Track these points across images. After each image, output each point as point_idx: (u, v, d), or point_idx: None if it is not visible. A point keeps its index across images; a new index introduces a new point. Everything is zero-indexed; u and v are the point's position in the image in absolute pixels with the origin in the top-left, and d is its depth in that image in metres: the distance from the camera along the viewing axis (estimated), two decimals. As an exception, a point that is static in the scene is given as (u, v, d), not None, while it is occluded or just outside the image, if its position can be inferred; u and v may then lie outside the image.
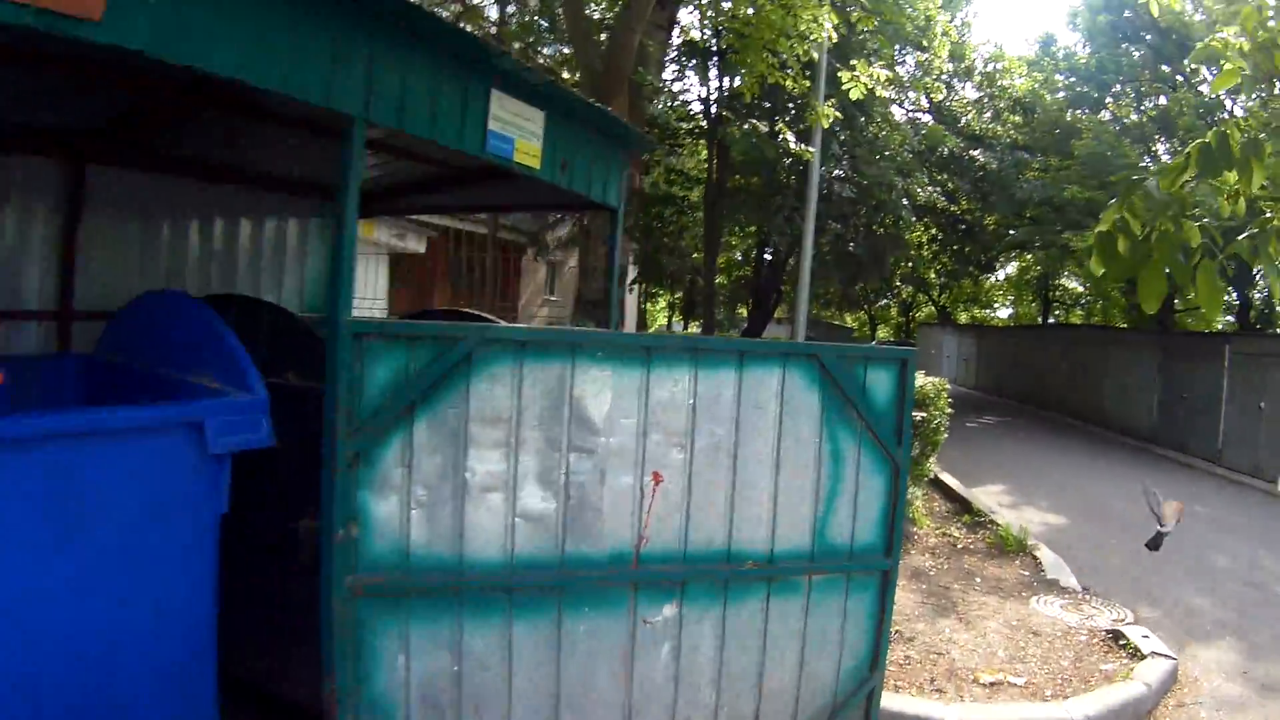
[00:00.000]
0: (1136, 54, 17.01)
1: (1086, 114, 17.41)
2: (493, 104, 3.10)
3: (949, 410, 7.32)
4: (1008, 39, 60.02)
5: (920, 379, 7.15)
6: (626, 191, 4.82)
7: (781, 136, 11.83)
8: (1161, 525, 6.40)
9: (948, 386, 7.37)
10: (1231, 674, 4.63)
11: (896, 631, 4.66)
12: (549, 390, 2.64)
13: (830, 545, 3.07)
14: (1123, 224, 2.60)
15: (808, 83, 9.73)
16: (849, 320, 62.42)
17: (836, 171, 13.84)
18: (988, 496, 8.81)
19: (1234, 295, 19.00)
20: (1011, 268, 30.78)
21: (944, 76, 16.35)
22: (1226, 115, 14.47)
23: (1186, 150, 2.63)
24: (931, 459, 7.41)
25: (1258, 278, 17.48)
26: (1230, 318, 20.71)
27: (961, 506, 8.22)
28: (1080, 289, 30.37)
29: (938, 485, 9.19)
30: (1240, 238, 2.64)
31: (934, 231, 21.09)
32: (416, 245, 12.80)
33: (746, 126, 12.40)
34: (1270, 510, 9.80)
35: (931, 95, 15.35)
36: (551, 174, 3.61)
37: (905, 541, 6.92)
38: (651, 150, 11.03)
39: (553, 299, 21.15)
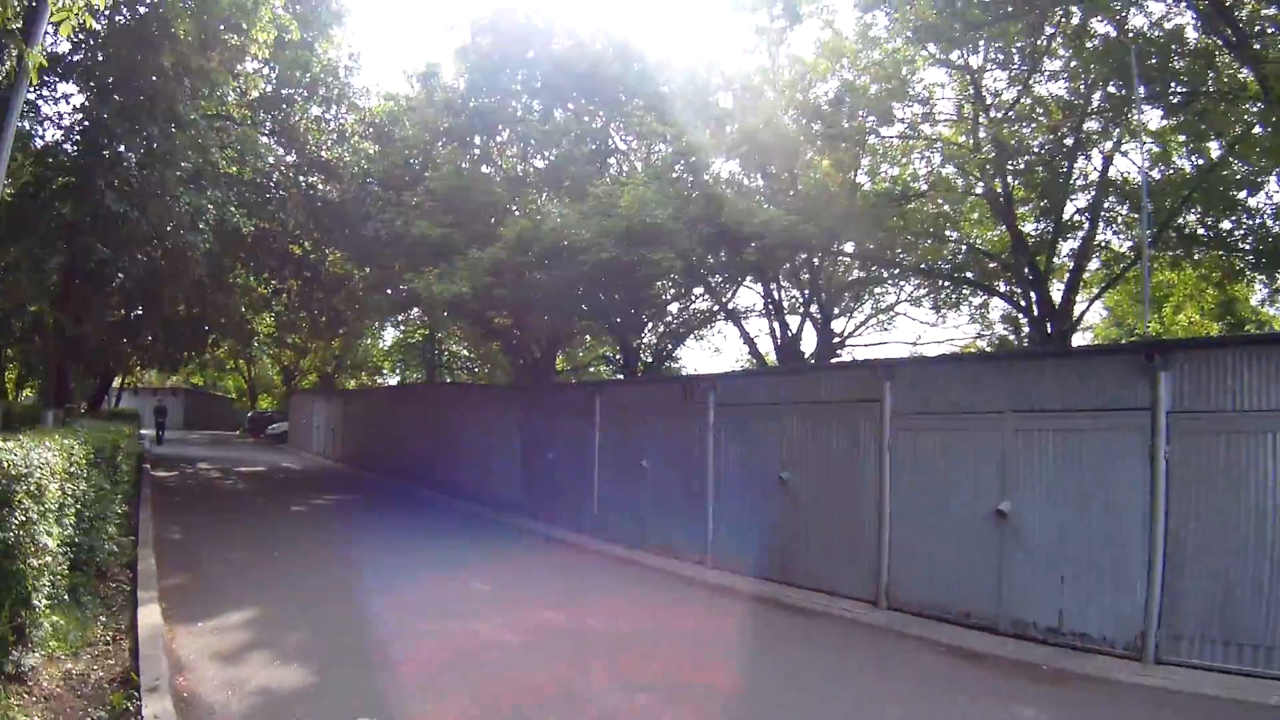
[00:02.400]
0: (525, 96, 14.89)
1: (453, 146, 14.66)
2: None
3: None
4: (391, 76, 55.85)
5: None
6: None
7: None
8: None
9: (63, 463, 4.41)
10: None
11: None
12: None
13: None
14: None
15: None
16: (230, 387, 53.64)
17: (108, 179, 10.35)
18: (211, 637, 6.08)
19: (617, 346, 19.08)
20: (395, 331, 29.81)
21: (266, 73, 13.77)
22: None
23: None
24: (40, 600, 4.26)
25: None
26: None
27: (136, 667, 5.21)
28: (466, 352, 31.13)
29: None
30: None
31: (288, 279, 18.29)
32: None
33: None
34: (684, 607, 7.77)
35: (246, 92, 12.89)
36: None
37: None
38: None
39: None
